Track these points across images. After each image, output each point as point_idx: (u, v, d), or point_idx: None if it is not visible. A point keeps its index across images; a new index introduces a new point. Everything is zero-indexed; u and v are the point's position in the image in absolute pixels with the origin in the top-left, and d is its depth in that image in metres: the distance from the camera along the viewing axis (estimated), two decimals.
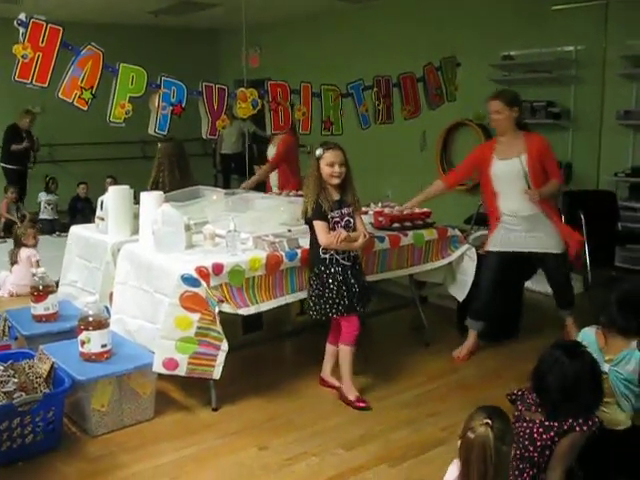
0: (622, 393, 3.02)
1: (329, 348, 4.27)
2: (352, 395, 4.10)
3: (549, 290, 5.09)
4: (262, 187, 6.67)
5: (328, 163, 3.96)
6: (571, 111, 7.75)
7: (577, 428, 2.63)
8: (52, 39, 4.11)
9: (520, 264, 4.88)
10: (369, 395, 4.18)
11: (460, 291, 5.03)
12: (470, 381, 4.42)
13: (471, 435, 2.25)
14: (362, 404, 4.07)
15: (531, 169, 4.56)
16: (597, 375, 2.77)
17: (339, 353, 4.16)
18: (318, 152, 4.00)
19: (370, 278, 4.51)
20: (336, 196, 4.03)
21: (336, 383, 4.22)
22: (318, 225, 3.98)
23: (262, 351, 4.90)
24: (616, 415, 3.03)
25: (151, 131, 4.61)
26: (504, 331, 5.14)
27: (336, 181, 3.99)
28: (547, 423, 2.68)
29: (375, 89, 5.57)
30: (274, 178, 6.59)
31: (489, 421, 2.24)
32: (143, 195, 4.40)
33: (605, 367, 3.04)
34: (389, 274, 4.74)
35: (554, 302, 5.02)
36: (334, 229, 3.97)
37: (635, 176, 7.11)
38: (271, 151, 6.61)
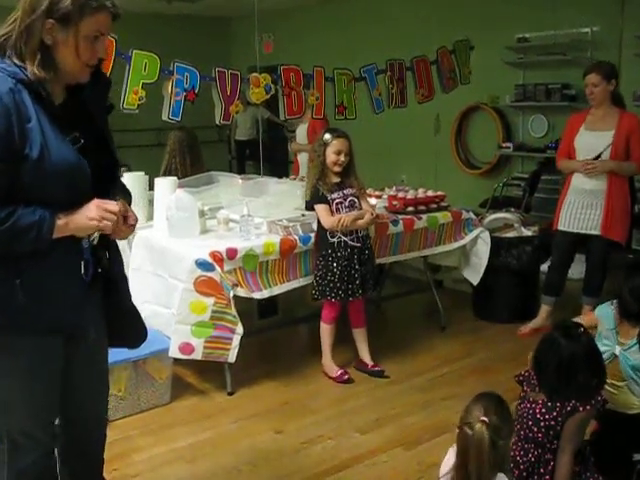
0: (630, 377, 3.03)
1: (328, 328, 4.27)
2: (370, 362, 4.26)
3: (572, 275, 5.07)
4: (283, 168, 6.64)
5: (335, 151, 4.00)
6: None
7: (581, 408, 2.61)
8: None
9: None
10: (384, 379, 4.20)
11: (475, 274, 5.03)
12: (486, 364, 4.42)
13: (468, 431, 2.24)
14: (345, 376, 4.19)
15: (615, 146, 4.53)
16: (595, 356, 2.74)
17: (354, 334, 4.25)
18: (327, 137, 4.03)
19: (382, 260, 4.53)
20: (336, 180, 4.09)
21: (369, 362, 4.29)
22: (319, 209, 4.05)
23: (277, 336, 4.92)
24: (628, 398, 3.03)
25: (165, 117, 4.61)
26: (521, 314, 5.11)
27: (338, 169, 4.06)
28: (550, 404, 2.66)
29: (388, 73, 5.54)
30: (304, 160, 6.59)
31: (485, 418, 2.23)
32: (157, 181, 4.41)
33: (617, 349, 3.05)
34: (401, 256, 4.74)
35: (577, 286, 5.00)
36: (338, 211, 4.01)
37: None
38: (301, 132, 6.59)
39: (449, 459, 2.39)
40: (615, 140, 4.51)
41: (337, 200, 4.05)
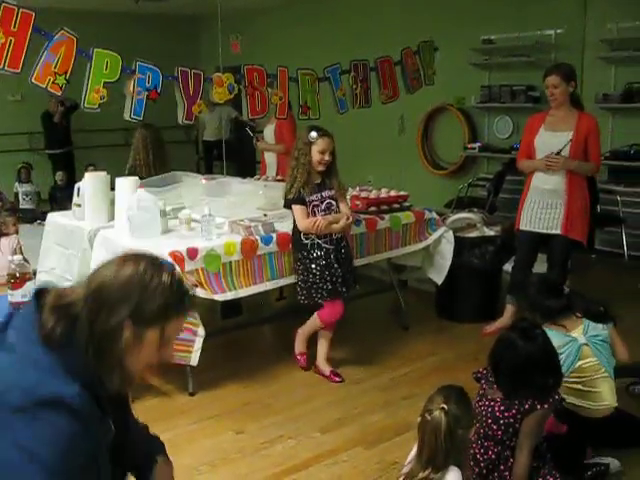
0: (607, 358, 3.15)
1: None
2: (327, 370, 4.23)
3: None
4: (252, 169, 6.63)
5: (320, 150, 3.99)
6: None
7: (538, 407, 2.65)
8: (24, 24, 4.07)
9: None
10: (346, 379, 4.22)
11: (438, 274, 5.05)
12: (448, 364, 4.44)
13: (427, 417, 2.31)
14: (337, 379, 4.19)
15: (573, 146, 4.57)
16: (552, 356, 2.79)
17: (319, 334, 4.26)
18: (312, 136, 4.01)
19: None
20: (317, 180, 4.07)
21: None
22: (297, 210, 4.02)
23: (241, 337, 4.90)
24: (599, 400, 3.15)
25: (127, 116, 4.58)
26: (485, 313, 5.14)
27: (322, 168, 4.04)
28: (507, 401, 2.70)
29: (352, 73, 5.56)
30: (271, 160, 6.57)
31: (444, 405, 2.29)
32: (119, 181, 4.38)
33: (581, 339, 3.12)
34: (368, 259, 4.75)
35: None
36: (313, 213, 4.00)
37: (614, 159, 7.16)
38: (269, 133, 6.58)
39: (413, 451, 2.42)
40: (574, 140, 4.56)
41: (314, 202, 4.04)
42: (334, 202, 4.11)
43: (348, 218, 4.10)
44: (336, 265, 4.07)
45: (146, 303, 1.59)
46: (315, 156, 4.00)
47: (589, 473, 3.06)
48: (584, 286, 5.69)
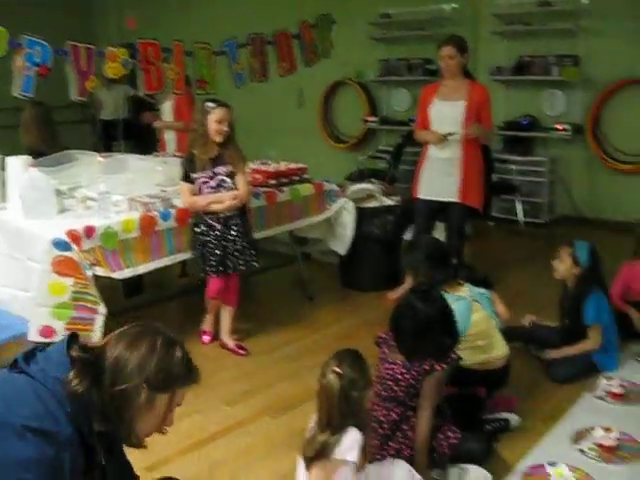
0: (491, 310, 3.34)
1: (215, 304, 4.30)
2: (231, 343, 4.26)
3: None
4: (153, 147, 6.53)
5: (217, 119, 3.95)
6: None
7: (437, 367, 2.75)
8: None
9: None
10: (252, 351, 4.24)
11: (341, 245, 5.13)
12: (352, 331, 4.51)
13: (322, 381, 2.38)
14: (242, 351, 4.21)
15: (467, 114, 4.69)
16: (449, 317, 2.90)
17: (221, 308, 4.28)
18: (209, 105, 3.98)
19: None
20: (215, 153, 4.02)
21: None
22: (182, 186, 4.07)
23: (144, 315, 4.82)
24: (498, 349, 3.31)
25: (15, 93, 4.43)
26: (387, 281, 5.22)
27: (220, 139, 3.99)
28: (408, 363, 2.78)
29: (250, 46, 5.52)
30: (170, 137, 6.46)
31: (338, 369, 2.35)
32: (9, 160, 4.23)
33: (469, 297, 3.28)
34: (269, 232, 4.76)
35: None
36: (201, 190, 4.03)
37: (508, 130, 7.39)
38: (167, 109, 6.46)
39: (315, 417, 2.47)
40: (467, 109, 4.69)
41: (203, 179, 4.02)
42: (228, 179, 4.07)
43: (235, 198, 4.07)
44: (224, 242, 4.07)
45: (161, 373, 1.85)
46: (212, 125, 3.96)
47: (489, 427, 3.19)
48: (482, 252, 5.91)
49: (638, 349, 4.12)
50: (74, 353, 1.81)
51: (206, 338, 4.38)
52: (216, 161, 4.05)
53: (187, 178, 4.05)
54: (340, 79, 8.75)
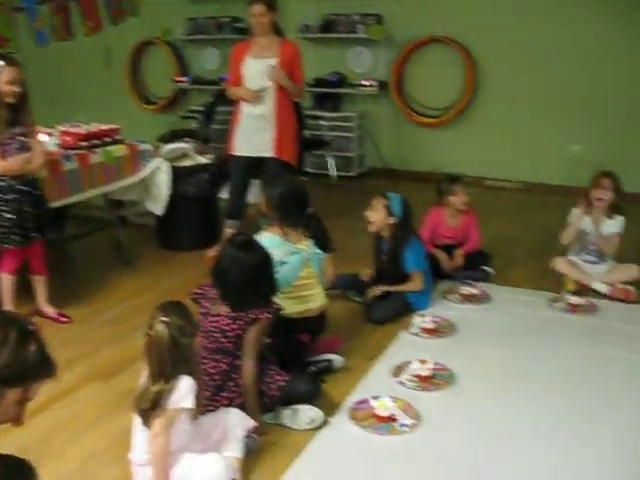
0: (319, 271, 3.44)
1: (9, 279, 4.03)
2: (52, 311, 4.13)
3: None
4: None
5: (7, 80, 3.68)
6: None
7: (261, 316, 2.83)
8: None
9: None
10: (74, 319, 4.14)
11: (157, 205, 5.07)
12: (174, 291, 4.41)
13: (150, 333, 2.39)
14: (63, 319, 4.10)
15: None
16: (271, 264, 2.99)
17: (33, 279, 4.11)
18: None
19: (64, 202, 4.38)
20: (7, 115, 3.76)
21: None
22: None
23: None
24: (316, 300, 3.43)
25: None
26: (206, 240, 5.22)
27: (12, 100, 3.74)
28: (233, 314, 2.84)
29: (50, 3, 5.26)
30: None
31: (165, 318, 2.37)
32: None
33: (305, 253, 3.36)
34: (83, 195, 4.61)
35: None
36: (5, 153, 3.76)
37: (317, 87, 7.57)
38: None
39: (145, 372, 2.48)
40: (279, 66, 4.77)
41: (6, 141, 3.76)
42: (27, 140, 3.85)
43: (42, 155, 3.91)
44: (30, 209, 3.85)
45: (12, 367, 1.76)
46: (3, 87, 3.68)
47: (313, 369, 3.34)
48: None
49: (445, 287, 4.45)
50: None
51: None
52: (12, 123, 3.78)
53: None
54: (147, 38, 8.53)
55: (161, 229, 5.33)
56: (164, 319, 2.37)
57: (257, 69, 4.81)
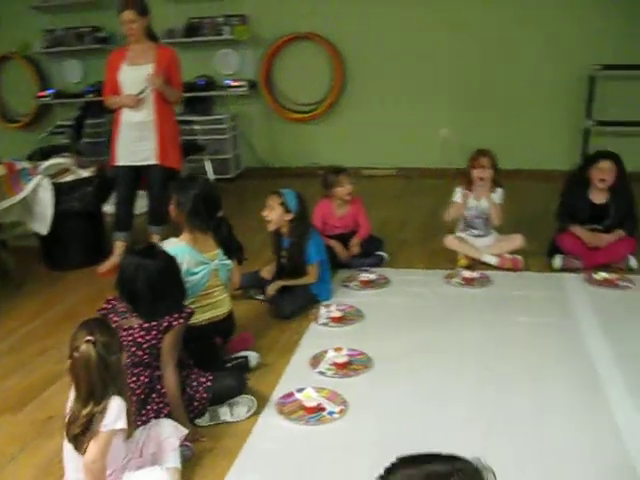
0: (226, 280, 3.41)
1: None
2: None
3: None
4: None
5: None
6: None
7: (175, 323, 2.80)
8: None
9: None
10: None
11: (42, 225, 4.89)
12: (73, 311, 4.32)
13: (76, 354, 2.28)
14: None
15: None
16: (178, 269, 2.97)
17: None
18: None
19: None
20: None
21: None
22: None
23: None
24: (223, 306, 3.41)
25: None
26: (96, 255, 5.12)
27: None
28: (146, 325, 2.78)
29: None
30: None
31: (90, 337, 2.28)
32: None
33: (212, 264, 3.31)
34: None
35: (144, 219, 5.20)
36: None
37: (188, 91, 7.42)
38: None
39: (71, 395, 2.38)
40: (156, 72, 4.72)
41: None
42: None
43: None
44: None
45: None
46: None
47: (229, 365, 3.34)
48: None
49: (344, 276, 4.55)
50: None
51: None
52: None
53: None
54: (4, 54, 8.16)
55: (47, 249, 5.13)
56: (89, 338, 2.28)
57: (134, 76, 4.73)
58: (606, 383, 3.14)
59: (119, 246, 5.00)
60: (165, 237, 4.73)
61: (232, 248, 3.56)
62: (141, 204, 5.23)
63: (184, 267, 3.11)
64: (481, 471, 1.37)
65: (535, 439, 2.75)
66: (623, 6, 6.59)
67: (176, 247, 3.21)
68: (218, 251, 3.38)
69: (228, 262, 3.41)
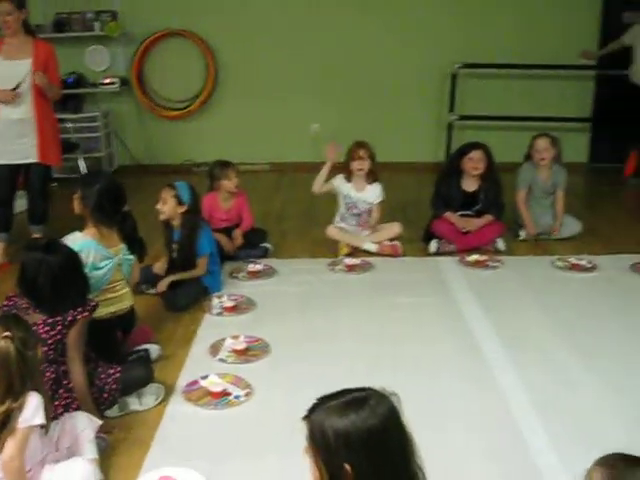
0: (128, 274, 3.46)
1: None
2: None
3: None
4: None
5: None
6: None
7: (79, 317, 2.83)
8: None
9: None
10: None
11: None
12: None
13: None
14: None
15: (34, 73, 4.62)
16: (80, 262, 3.00)
17: None
18: None
19: None
20: None
21: None
22: None
23: None
24: (125, 300, 3.47)
25: None
26: None
27: None
28: (50, 320, 2.79)
29: None
30: None
31: (7, 333, 2.28)
32: None
33: (117, 259, 3.35)
34: None
35: (23, 217, 5.10)
36: None
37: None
38: None
39: None
40: (34, 67, 4.66)
41: None
42: None
43: None
44: None
45: None
46: None
47: (130, 358, 3.39)
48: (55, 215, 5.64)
49: (231, 268, 4.67)
50: None
51: None
52: None
53: None
54: None
55: None
56: (7, 334, 2.27)
57: (9, 71, 4.65)
58: (482, 343, 3.62)
59: (0, 248, 4.89)
60: (46, 235, 4.76)
61: (136, 243, 3.60)
62: (20, 203, 5.15)
63: (89, 261, 3.15)
64: (389, 395, 1.67)
65: (430, 402, 3.02)
66: (483, 11, 7.19)
67: (82, 242, 3.23)
68: (122, 246, 3.41)
69: (131, 257, 3.47)
